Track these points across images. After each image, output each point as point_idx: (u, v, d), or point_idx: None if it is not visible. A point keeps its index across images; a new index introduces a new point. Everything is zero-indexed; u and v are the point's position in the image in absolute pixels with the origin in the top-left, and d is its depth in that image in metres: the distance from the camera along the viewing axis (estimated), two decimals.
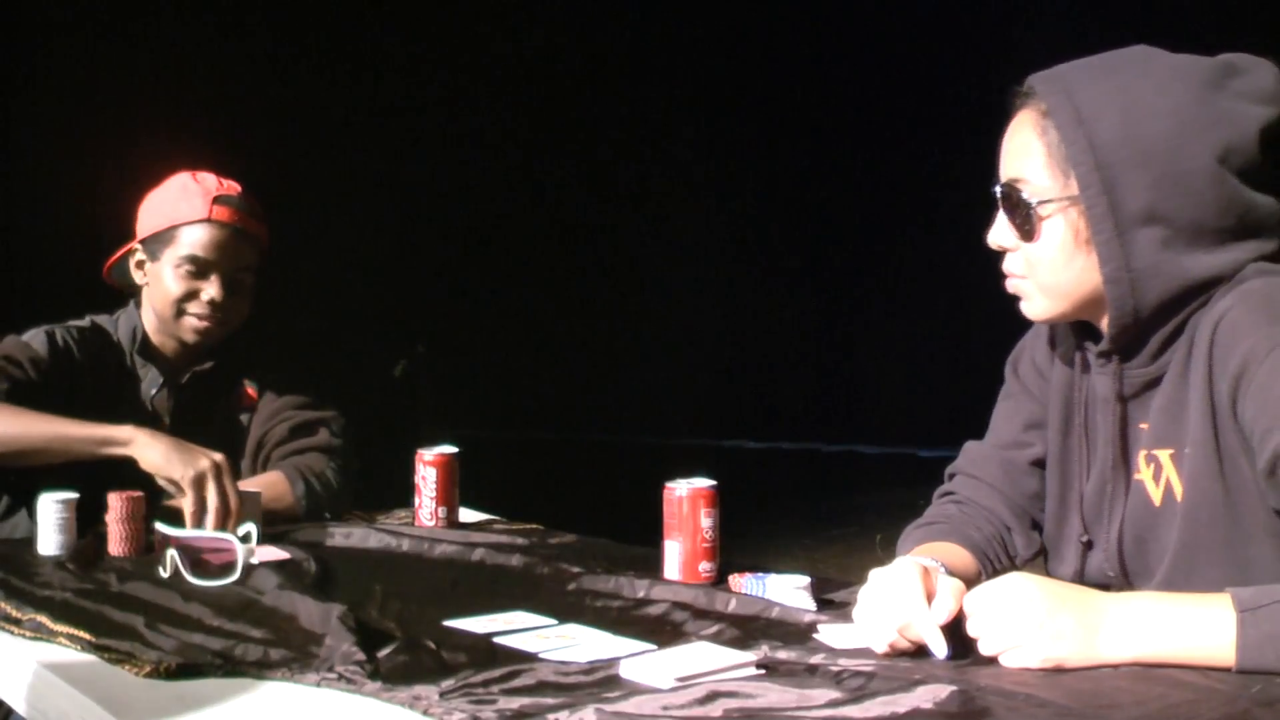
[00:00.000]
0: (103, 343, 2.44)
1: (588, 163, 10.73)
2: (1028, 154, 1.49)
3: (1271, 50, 1.49)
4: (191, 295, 2.36)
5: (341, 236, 8.52)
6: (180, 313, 2.37)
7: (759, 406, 10.74)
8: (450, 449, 2.27)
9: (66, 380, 2.35)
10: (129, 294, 2.50)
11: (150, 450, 2.11)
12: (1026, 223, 1.49)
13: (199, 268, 2.36)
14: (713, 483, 1.78)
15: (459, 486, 2.27)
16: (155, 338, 2.44)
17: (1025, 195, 1.48)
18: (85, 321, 2.45)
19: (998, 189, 1.52)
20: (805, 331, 10.73)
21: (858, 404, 10.15)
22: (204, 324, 2.37)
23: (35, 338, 2.36)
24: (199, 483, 2.07)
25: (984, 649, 1.33)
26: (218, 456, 2.12)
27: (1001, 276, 1.60)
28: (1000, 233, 1.53)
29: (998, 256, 1.59)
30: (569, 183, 10.83)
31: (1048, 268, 1.50)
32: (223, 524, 2.04)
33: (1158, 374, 1.49)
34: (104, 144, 6.99)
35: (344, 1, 9.37)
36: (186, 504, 2.07)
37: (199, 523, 2.05)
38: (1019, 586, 1.32)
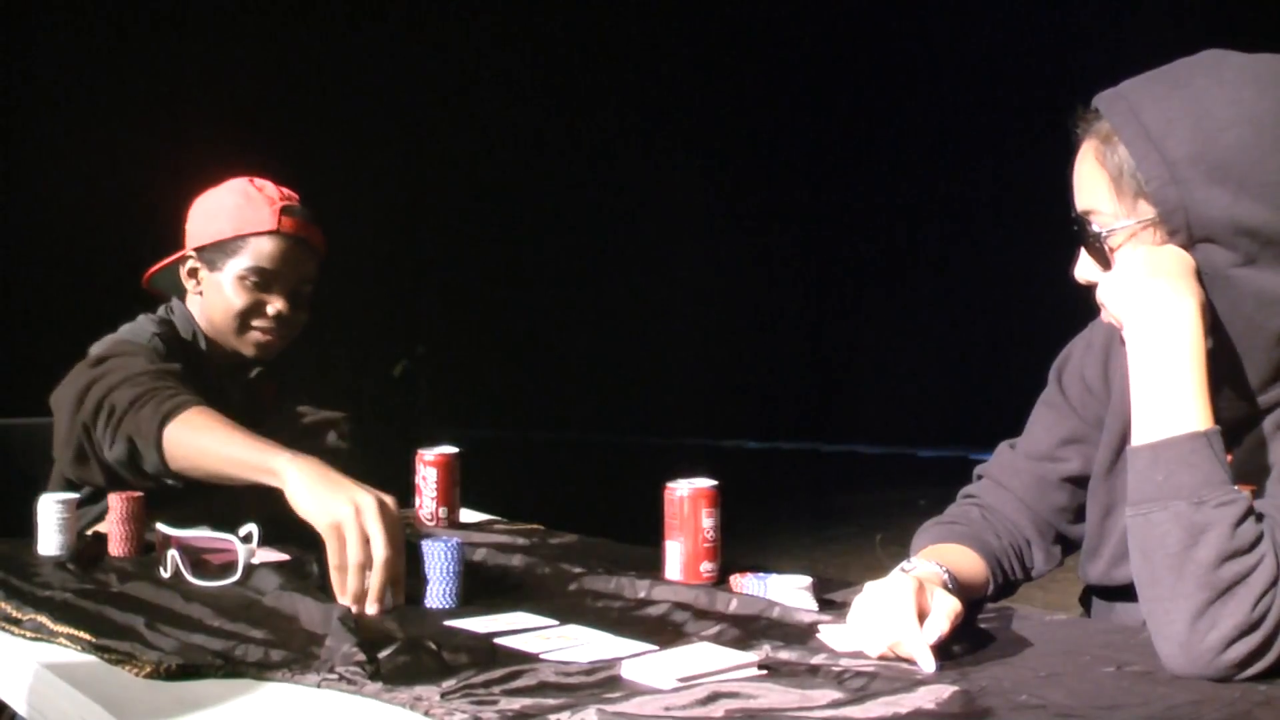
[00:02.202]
0: (179, 342, 2.30)
1: (589, 163, 10.73)
2: (1092, 185, 1.43)
3: None
4: (256, 308, 2.27)
5: (342, 237, 8.52)
6: (244, 327, 2.27)
7: (759, 406, 10.75)
8: (450, 449, 2.27)
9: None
10: (165, 300, 2.40)
11: (296, 486, 1.73)
12: (1101, 255, 1.43)
13: (264, 280, 2.26)
14: (713, 483, 1.78)
15: (459, 486, 2.27)
16: (209, 340, 2.33)
17: (1095, 227, 1.42)
18: (154, 320, 2.31)
19: (1073, 225, 1.46)
20: (805, 331, 10.73)
21: (858, 404, 10.15)
22: (267, 338, 2.28)
23: (149, 338, 2.21)
24: (337, 533, 1.65)
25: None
26: (366, 499, 1.67)
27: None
28: (1084, 268, 1.47)
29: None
30: (569, 183, 10.83)
31: None
32: (360, 584, 1.63)
33: (1258, 411, 1.42)
34: (113, 144, 7.01)
35: (348, 6, 9.37)
36: (329, 557, 1.66)
37: (343, 582, 1.63)
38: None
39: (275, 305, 2.27)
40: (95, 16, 7.71)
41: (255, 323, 2.28)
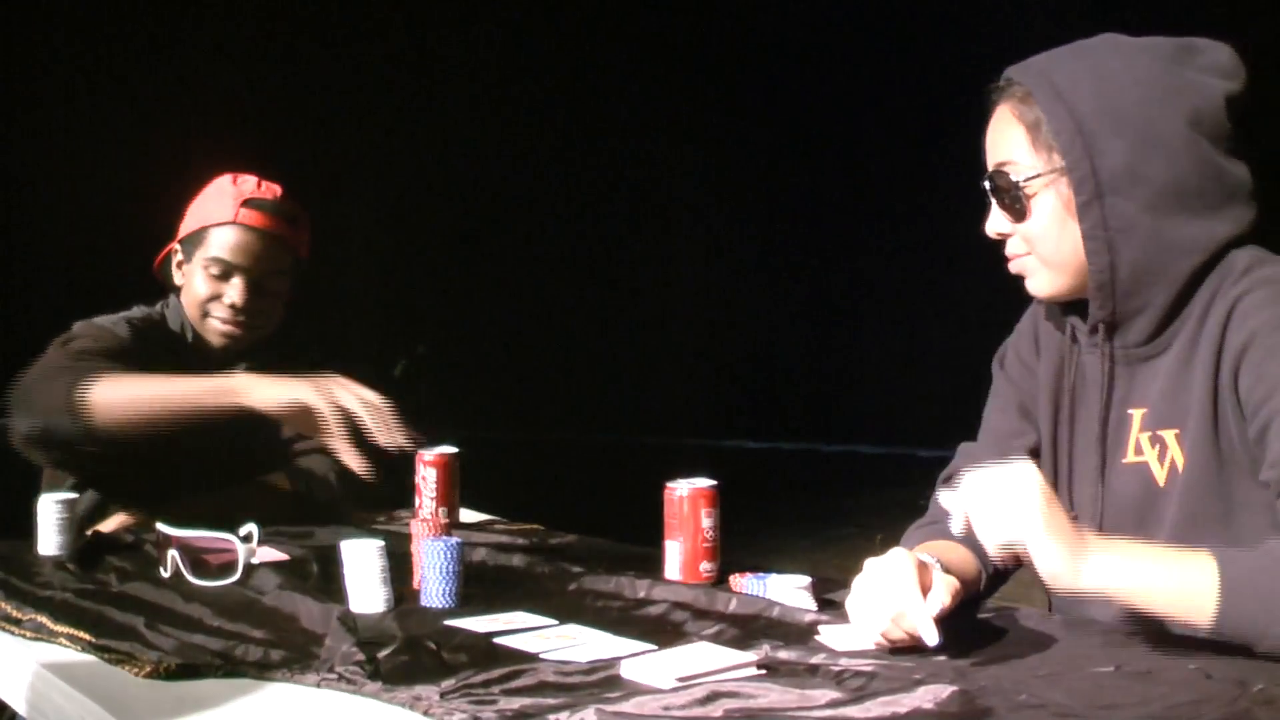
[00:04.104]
0: (162, 333, 2.40)
1: (589, 164, 10.72)
2: (1010, 138, 1.56)
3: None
4: (215, 297, 2.34)
5: (342, 236, 8.52)
6: (205, 314, 2.35)
7: (759, 406, 10.74)
8: (450, 449, 2.27)
9: (140, 368, 2.28)
10: (173, 291, 2.47)
11: (264, 388, 2.04)
12: (1018, 202, 1.55)
13: (222, 270, 2.33)
14: (713, 483, 1.78)
15: (459, 486, 2.27)
16: (196, 333, 2.41)
17: (1013, 177, 1.55)
18: (138, 312, 2.41)
19: (986, 181, 1.59)
20: (805, 332, 10.72)
21: (858, 404, 10.14)
22: (226, 327, 2.35)
23: (118, 325, 2.33)
24: (330, 402, 1.96)
25: (981, 532, 1.34)
26: (330, 376, 2.02)
27: (1000, 274, 1.62)
28: (996, 220, 1.59)
29: (998, 254, 1.61)
30: (570, 183, 10.83)
31: (1044, 241, 1.55)
32: (383, 421, 1.96)
33: (1155, 353, 1.53)
34: (119, 139, 7.02)
35: (349, 5, 9.38)
36: (331, 420, 1.96)
37: (350, 429, 1.95)
38: (1023, 483, 1.32)
39: (232, 295, 2.34)
40: (101, 12, 7.72)
41: (214, 311, 2.35)
